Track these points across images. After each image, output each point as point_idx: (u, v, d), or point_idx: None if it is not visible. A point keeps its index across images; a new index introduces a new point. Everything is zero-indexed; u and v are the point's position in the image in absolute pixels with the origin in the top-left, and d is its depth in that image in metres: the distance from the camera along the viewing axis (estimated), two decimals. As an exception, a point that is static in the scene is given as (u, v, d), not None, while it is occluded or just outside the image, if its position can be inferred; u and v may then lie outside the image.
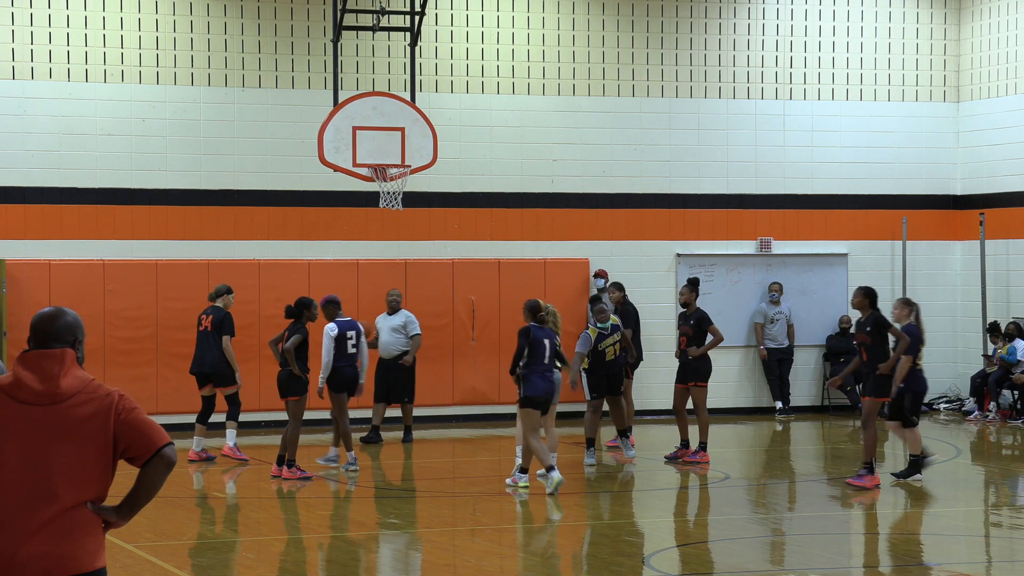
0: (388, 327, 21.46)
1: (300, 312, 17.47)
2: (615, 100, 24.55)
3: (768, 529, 14.63)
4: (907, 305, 17.43)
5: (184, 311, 22.04)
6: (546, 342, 16.36)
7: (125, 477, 6.15)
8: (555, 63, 24.30)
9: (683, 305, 19.31)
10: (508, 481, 16.71)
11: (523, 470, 16.58)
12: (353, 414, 23.21)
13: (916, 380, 17.17)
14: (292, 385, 17.38)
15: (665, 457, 19.19)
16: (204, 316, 18.96)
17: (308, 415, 22.04)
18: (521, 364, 16.30)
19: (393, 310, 21.48)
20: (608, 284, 23.32)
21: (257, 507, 16.42)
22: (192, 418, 19.24)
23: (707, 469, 18.31)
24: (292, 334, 17.34)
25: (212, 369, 18.79)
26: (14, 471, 5.88)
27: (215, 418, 19.41)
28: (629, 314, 20.51)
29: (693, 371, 18.88)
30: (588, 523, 15.03)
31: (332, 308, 18.13)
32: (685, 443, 19.11)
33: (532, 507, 15.89)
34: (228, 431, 18.95)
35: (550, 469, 16.08)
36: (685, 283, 19.49)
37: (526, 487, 16.33)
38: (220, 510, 16.20)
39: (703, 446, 18.81)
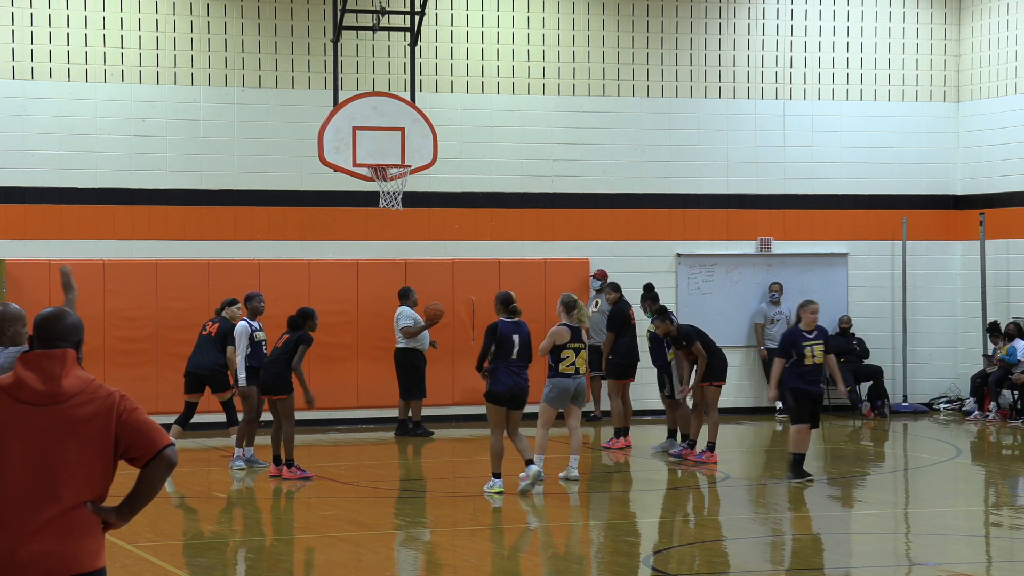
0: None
1: (303, 322, 17.50)
2: (615, 100, 24.55)
3: (768, 529, 14.62)
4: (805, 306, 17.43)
5: (184, 311, 22.04)
6: (515, 337, 16.02)
7: (125, 477, 6.15)
8: (555, 63, 24.30)
9: (664, 335, 19.12)
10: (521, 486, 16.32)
11: (495, 474, 16.24)
12: (362, 414, 23.26)
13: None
14: (280, 384, 17.34)
15: (669, 456, 19.18)
16: (210, 323, 18.99)
17: (300, 416, 22.06)
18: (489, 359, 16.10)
19: (414, 306, 22.08)
20: (606, 284, 23.33)
21: (257, 507, 16.42)
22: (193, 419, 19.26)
23: (715, 469, 18.27)
24: (296, 343, 17.33)
25: (209, 372, 18.78)
26: (16, 471, 5.88)
27: (207, 419, 19.41)
28: (615, 316, 20.61)
29: (708, 371, 18.79)
30: (588, 523, 15.03)
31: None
32: (691, 443, 19.08)
33: (532, 508, 15.89)
34: (235, 436, 18.91)
35: (497, 476, 16.11)
36: (655, 317, 19.25)
37: (500, 491, 16.04)
38: (220, 510, 16.20)
39: (711, 446, 18.77)
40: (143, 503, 6.07)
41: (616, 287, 21.04)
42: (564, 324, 16.80)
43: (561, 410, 17.04)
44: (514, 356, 15.99)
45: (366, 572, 12.55)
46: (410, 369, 22.06)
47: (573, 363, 16.77)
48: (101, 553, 6.00)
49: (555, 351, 16.72)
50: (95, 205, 22.39)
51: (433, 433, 22.11)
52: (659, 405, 23.35)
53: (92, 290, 21.91)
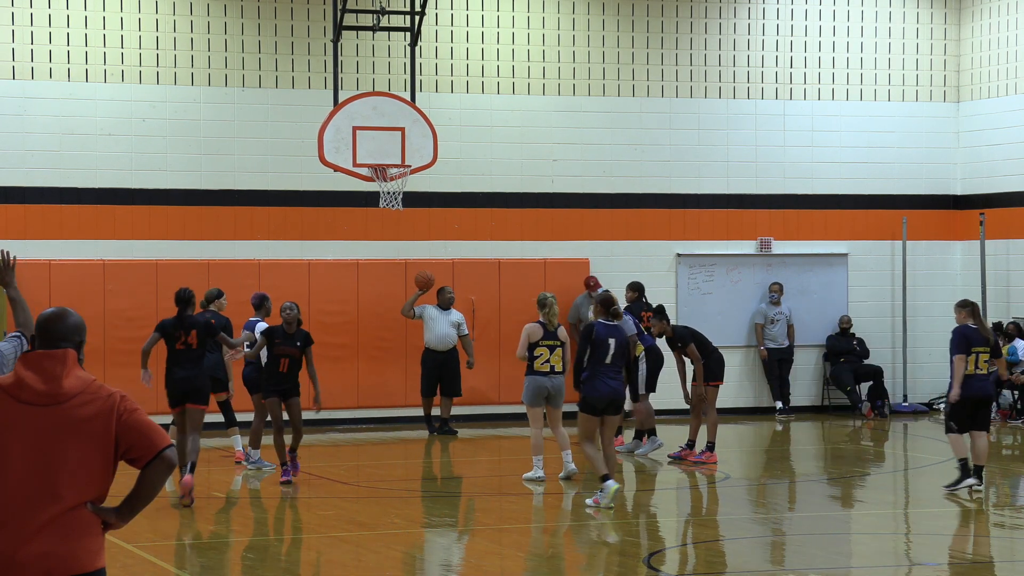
0: (447, 321, 22.14)
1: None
2: (615, 100, 24.55)
3: (768, 529, 14.63)
4: (964, 307, 16.53)
5: (184, 311, 22.01)
6: (611, 341, 15.02)
7: (125, 477, 6.16)
8: (555, 63, 24.30)
9: (659, 335, 19.05)
10: (588, 502, 15.24)
11: (603, 477, 15.06)
12: (362, 414, 23.26)
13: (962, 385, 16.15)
14: (206, 392, 17.40)
15: (668, 456, 19.19)
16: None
17: (305, 415, 22.10)
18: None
19: (448, 306, 22.15)
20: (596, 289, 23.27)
21: (257, 507, 16.42)
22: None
23: (715, 469, 18.27)
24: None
25: (209, 373, 18.57)
26: (16, 471, 5.88)
27: (208, 419, 19.42)
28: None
29: (705, 371, 18.74)
30: (588, 523, 15.03)
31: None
32: (690, 443, 19.07)
33: (532, 508, 15.89)
34: (234, 437, 18.88)
35: (605, 478, 15.00)
36: (652, 316, 19.15)
37: (616, 490, 15.00)
38: (220, 510, 16.20)
39: (710, 446, 18.75)
40: (143, 504, 6.08)
41: (636, 287, 20.79)
42: (538, 322, 16.89)
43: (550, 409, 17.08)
44: (608, 361, 15.01)
45: (366, 572, 12.55)
46: (422, 367, 22.18)
47: (547, 360, 16.78)
48: (101, 553, 6.00)
49: (529, 349, 16.80)
50: (95, 205, 22.38)
51: (434, 432, 22.14)
52: (658, 405, 23.37)
53: (92, 290, 21.92)
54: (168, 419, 18.92)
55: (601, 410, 15.05)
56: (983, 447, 16.23)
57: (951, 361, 16.33)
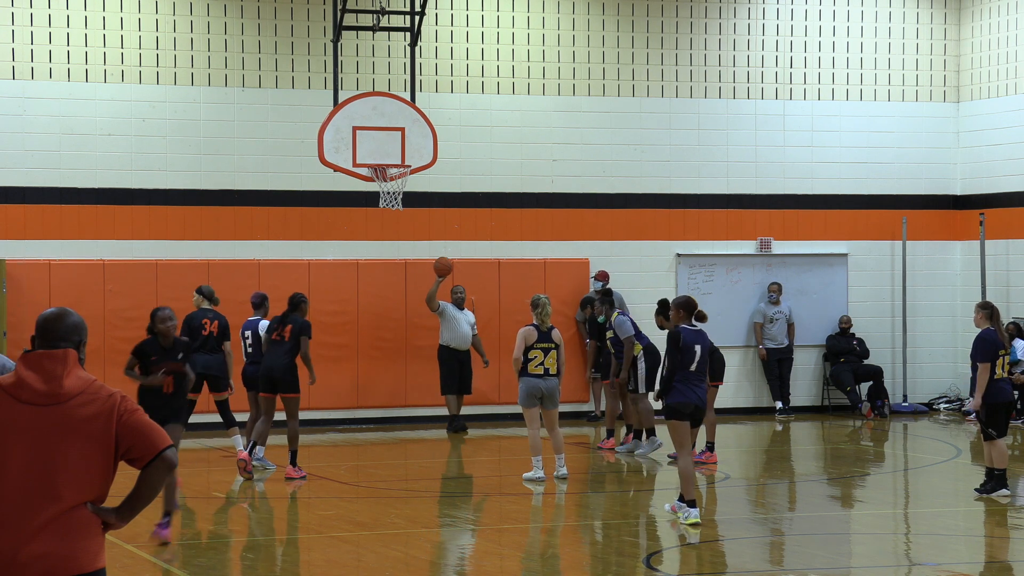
0: (465, 320, 22.45)
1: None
2: (615, 100, 24.55)
3: (768, 529, 14.63)
4: (985, 308, 15.96)
5: (184, 311, 21.96)
6: (697, 348, 14.16)
7: (125, 478, 6.16)
8: (555, 63, 24.31)
9: (660, 329, 18.99)
10: (667, 507, 14.67)
11: (689, 503, 14.19)
12: (362, 414, 23.26)
13: (989, 391, 15.68)
14: (294, 381, 17.49)
15: (668, 456, 19.19)
16: (209, 322, 18.69)
17: (305, 415, 22.11)
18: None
19: (460, 305, 22.44)
20: (607, 285, 23.29)
21: (257, 507, 16.43)
22: (193, 419, 19.23)
23: (715, 469, 18.28)
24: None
25: (203, 370, 18.54)
26: (16, 471, 5.88)
27: (207, 419, 19.43)
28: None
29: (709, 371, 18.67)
30: (588, 523, 15.03)
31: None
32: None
33: (532, 508, 15.89)
34: (234, 438, 18.84)
35: (692, 504, 14.12)
36: (657, 312, 19.06)
37: (696, 523, 14.04)
38: (220, 510, 16.20)
39: (710, 446, 18.77)
40: (143, 504, 6.09)
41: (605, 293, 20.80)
42: (532, 325, 16.97)
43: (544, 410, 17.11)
44: (693, 368, 14.16)
45: (366, 572, 12.55)
46: (441, 366, 22.31)
47: (542, 363, 16.87)
48: (101, 554, 6.01)
49: (524, 352, 16.89)
50: (95, 205, 22.39)
51: (451, 431, 22.29)
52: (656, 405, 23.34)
53: (92, 290, 21.92)
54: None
55: (689, 415, 14.21)
56: (1001, 451, 16.12)
57: (973, 367, 15.83)
